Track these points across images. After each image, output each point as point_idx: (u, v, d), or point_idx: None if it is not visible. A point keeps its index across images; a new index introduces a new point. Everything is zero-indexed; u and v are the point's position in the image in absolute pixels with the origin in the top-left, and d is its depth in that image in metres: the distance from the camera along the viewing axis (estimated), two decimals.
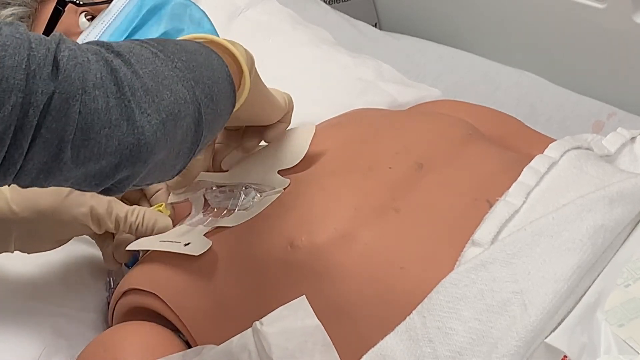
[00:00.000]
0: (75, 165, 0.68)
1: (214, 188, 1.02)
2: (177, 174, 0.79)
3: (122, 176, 0.71)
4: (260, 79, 0.93)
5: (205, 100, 0.76)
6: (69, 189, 0.88)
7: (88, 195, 0.91)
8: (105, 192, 0.73)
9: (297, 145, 1.03)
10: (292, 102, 1.04)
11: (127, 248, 1.02)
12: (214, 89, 0.78)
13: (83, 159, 0.68)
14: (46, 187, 0.69)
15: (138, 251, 1.05)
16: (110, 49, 0.71)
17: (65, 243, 1.00)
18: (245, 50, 0.90)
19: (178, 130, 0.73)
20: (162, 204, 1.04)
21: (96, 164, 0.69)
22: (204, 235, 0.96)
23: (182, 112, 0.73)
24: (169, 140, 0.72)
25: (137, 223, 0.98)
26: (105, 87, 0.67)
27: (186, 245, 0.95)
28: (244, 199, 0.99)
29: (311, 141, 1.05)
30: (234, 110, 0.85)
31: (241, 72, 0.86)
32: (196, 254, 0.93)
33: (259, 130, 1.02)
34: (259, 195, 0.98)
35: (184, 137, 0.74)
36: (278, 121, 1.01)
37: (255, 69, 0.92)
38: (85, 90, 0.66)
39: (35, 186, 0.68)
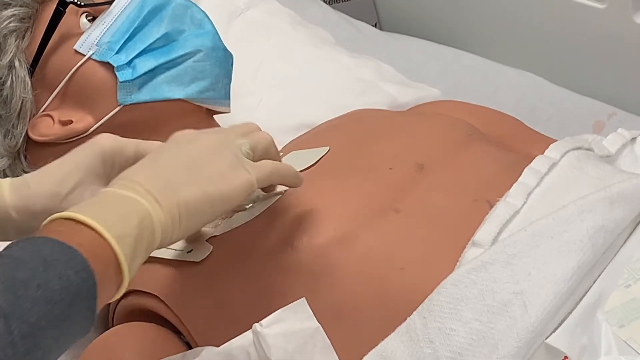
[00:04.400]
0: None
1: None
2: None
3: None
4: (181, 197, 0.81)
5: None
6: (66, 190, 0.87)
7: (87, 196, 0.90)
8: None
9: (305, 159, 1.02)
10: (271, 175, 0.89)
11: None
12: (53, 346, 0.70)
13: None
14: None
15: None
16: None
17: None
18: (142, 210, 0.78)
19: None
20: None
21: None
22: (206, 240, 0.96)
23: None
24: None
25: None
26: None
27: (189, 252, 0.95)
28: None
29: (311, 143, 1.05)
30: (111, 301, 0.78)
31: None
32: (197, 260, 0.93)
33: None
34: (258, 196, 0.98)
35: None
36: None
37: (172, 199, 0.80)
38: None
39: None
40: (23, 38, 1.08)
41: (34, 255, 0.71)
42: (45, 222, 0.76)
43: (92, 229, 0.74)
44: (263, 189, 0.97)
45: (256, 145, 0.89)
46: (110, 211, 0.76)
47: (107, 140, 0.88)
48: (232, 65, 1.14)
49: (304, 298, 0.85)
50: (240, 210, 0.98)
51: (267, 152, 0.90)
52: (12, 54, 1.07)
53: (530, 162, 0.95)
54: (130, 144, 0.89)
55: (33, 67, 1.07)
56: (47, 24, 1.07)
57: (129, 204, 0.78)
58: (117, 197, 0.79)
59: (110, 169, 0.88)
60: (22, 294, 0.68)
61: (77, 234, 0.73)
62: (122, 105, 1.06)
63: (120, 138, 0.90)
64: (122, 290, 0.76)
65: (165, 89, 1.06)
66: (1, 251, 0.71)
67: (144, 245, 0.77)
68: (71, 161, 0.89)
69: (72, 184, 0.88)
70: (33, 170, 1.07)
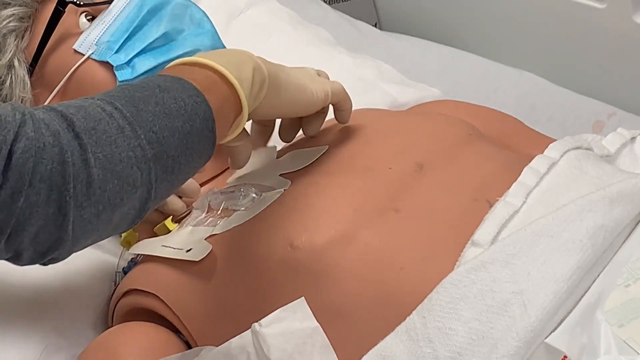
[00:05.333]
0: (6, 251, 0.71)
1: (215, 190, 1.03)
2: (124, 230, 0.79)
3: (52, 257, 0.73)
4: (283, 73, 0.93)
5: (163, 175, 0.75)
6: None
7: None
8: (44, 264, 0.75)
9: (304, 157, 1.02)
10: (341, 93, 1.02)
11: (129, 251, 1.02)
12: (181, 157, 0.77)
13: (14, 246, 0.70)
14: None
15: (137, 256, 1.05)
16: (72, 127, 0.71)
17: None
18: (253, 60, 0.88)
19: (116, 216, 0.73)
20: (169, 218, 1.05)
21: (26, 250, 0.71)
22: (205, 239, 0.96)
23: (126, 198, 0.73)
24: (102, 228, 0.73)
25: None
26: (51, 180, 0.68)
27: (188, 251, 0.95)
28: (243, 199, 0.99)
29: (311, 142, 1.05)
30: (228, 139, 0.87)
31: (239, 101, 0.85)
32: (197, 259, 0.93)
33: (297, 122, 1.04)
34: (257, 195, 0.98)
35: (122, 217, 0.75)
36: (317, 113, 1.02)
37: (274, 67, 0.91)
38: (32, 183, 0.67)
39: None
40: (22, 37, 1.08)
41: (148, 82, 0.78)
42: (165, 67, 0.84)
43: (210, 69, 0.82)
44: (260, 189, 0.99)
45: (322, 72, 1.03)
46: (227, 58, 0.85)
47: None
48: None
49: (303, 298, 0.85)
50: (239, 210, 0.98)
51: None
52: (11, 53, 1.07)
53: (530, 161, 0.95)
54: None
55: (32, 66, 1.07)
56: (46, 24, 1.07)
57: (243, 55, 0.87)
58: (231, 50, 0.89)
59: None
60: (143, 107, 0.75)
61: (192, 74, 0.81)
62: None
63: None
64: (240, 128, 0.86)
65: None
66: None
67: (255, 90, 0.86)
68: None
69: None
70: None
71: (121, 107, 0.74)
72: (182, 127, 0.76)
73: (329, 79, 1.04)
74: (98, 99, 0.74)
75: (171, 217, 1.05)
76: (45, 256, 0.72)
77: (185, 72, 0.82)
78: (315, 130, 1.04)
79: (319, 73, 1.03)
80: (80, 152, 0.70)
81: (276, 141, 1.06)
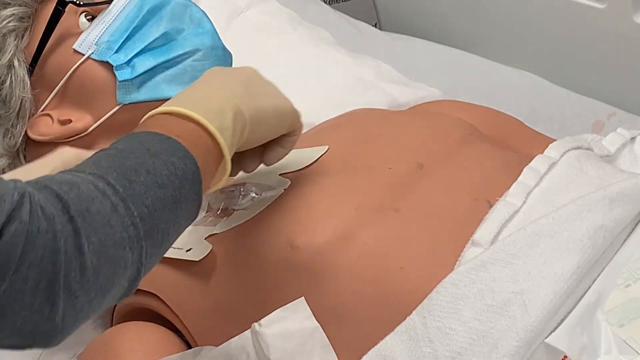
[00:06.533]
0: None
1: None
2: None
3: (39, 347, 0.69)
4: (264, 102, 0.89)
5: (152, 251, 0.73)
6: None
7: None
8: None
9: (304, 157, 1.02)
10: (300, 123, 0.96)
11: None
12: (170, 229, 0.74)
13: None
14: None
15: None
16: (67, 209, 0.66)
17: None
18: (232, 104, 0.83)
19: (106, 300, 0.70)
20: None
21: (7, 340, 0.66)
22: (205, 238, 0.96)
23: (117, 281, 0.70)
24: (92, 313, 0.70)
25: None
26: (41, 268, 0.64)
27: (188, 251, 0.95)
28: (243, 198, 0.99)
29: (311, 142, 1.05)
30: (211, 191, 0.85)
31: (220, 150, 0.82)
32: (197, 259, 0.93)
33: (259, 152, 0.95)
34: (257, 195, 0.98)
35: (111, 299, 0.71)
36: (277, 144, 0.95)
37: (254, 103, 0.87)
38: (18, 269, 0.63)
39: None
40: (22, 37, 1.08)
41: (138, 145, 0.75)
42: (144, 118, 0.81)
43: (192, 121, 0.79)
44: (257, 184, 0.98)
45: None
46: (208, 105, 0.81)
47: (70, 151, 0.87)
48: (231, 64, 1.14)
49: (303, 297, 0.85)
50: (239, 209, 0.98)
51: None
52: (11, 53, 1.06)
53: (530, 161, 0.95)
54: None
55: (32, 66, 1.07)
56: (46, 23, 1.07)
57: (222, 98, 0.83)
58: (210, 93, 0.84)
59: None
60: (134, 179, 0.72)
61: (176, 126, 0.78)
62: (121, 105, 1.06)
63: (84, 151, 0.89)
64: (224, 180, 0.83)
65: (165, 88, 1.06)
66: (107, 147, 0.76)
67: (237, 138, 0.83)
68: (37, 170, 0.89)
69: None
70: None
71: (113, 181, 0.70)
72: (172, 195, 0.73)
73: None
74: (89, 174, 0.71)
75: None
76: (32, 347, 0.68)
77: (172, 126, 0.78)
78: (277, 159, 0.95)
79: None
80: (74, 238, 0.66)
81: None
